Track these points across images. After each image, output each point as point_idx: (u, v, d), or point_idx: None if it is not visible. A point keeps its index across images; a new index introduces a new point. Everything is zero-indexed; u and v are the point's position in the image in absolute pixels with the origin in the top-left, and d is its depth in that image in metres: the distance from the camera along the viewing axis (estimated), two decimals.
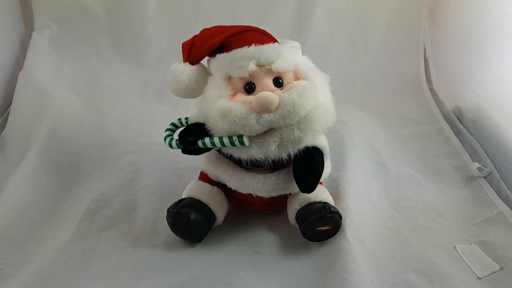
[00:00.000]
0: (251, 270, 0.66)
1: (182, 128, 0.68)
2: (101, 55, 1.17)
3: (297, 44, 0.71)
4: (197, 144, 0.65)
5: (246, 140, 0.61)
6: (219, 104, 0.62)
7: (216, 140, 0.63)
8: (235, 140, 0.62)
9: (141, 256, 0.69)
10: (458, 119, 1.06)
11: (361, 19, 1.24)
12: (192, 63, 0.68)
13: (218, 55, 0.67)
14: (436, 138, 1.02)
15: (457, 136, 1.01)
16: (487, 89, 0.97)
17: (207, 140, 0.64)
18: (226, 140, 0.62)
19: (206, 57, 0.70)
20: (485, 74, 0.98)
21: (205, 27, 0.70)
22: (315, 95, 0.63)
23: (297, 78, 0.66)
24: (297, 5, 1.22)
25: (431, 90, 1.21)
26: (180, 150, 0.67)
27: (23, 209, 0.77)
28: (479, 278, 0.64)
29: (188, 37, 0.69)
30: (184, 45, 0.69)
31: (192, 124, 0.68)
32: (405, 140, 1.03)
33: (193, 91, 0.68)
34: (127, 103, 1.12)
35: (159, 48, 1.20)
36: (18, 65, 1.08)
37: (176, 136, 0.67)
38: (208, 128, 0.65)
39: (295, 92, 0.62)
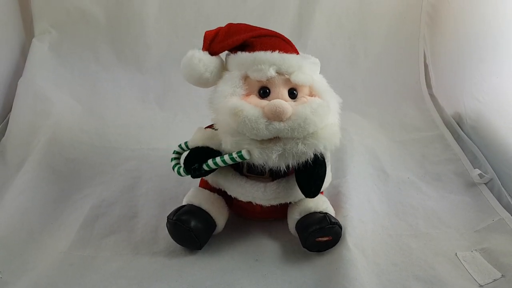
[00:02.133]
0: (251, 278, 0.65)
1: (186, 153, 0.70)
2: (101, 61, 1.17)
3: (317, 61, 0.72)
4: (203, 168, 0.66)
5: (245, 154, 0.62)
6: (232, 101, 0.62)
7: (218, 160, 0.64)
8: (235, 156, 0.62)
9: (141, 263, 0.68)
10: (458, 125, 1.06)
11: (361, 25, 1.25)
12: (212, 54, 0.68)
13: (239, 53, 0.67)
14: (437, 144, 1.02)
15: (457, 142, 1.01)
16: (487, 94, 0.97)
17: (210, 162, 0.65)
18: (227, 158, 0.64)
19: (225, 52, 0.70)
20: (485, 80, 0.98)
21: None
22: (327, 115, 0.64)
23: (311, 94, 0.67)
24: (297, 10, 1.22)
25: (431, 95, 1.21)
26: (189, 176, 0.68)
27: (22, 216, 0.76)
28: (481, 286, 0.64)
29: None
30: (207, 35, 0.68)
31: (193, 150, 0.68)
32: (405, 146, 1.03)
33: (206, 81, 0.68)
34: (127, 109, 1.12)
35: (160, 53, 1.20)
36: (18, 71, 1.07)
37: (182, 162, 0.69)
38: (214, 128, 0.66)
39: (309, 108, 0.62)
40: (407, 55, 1.26)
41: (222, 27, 0.69)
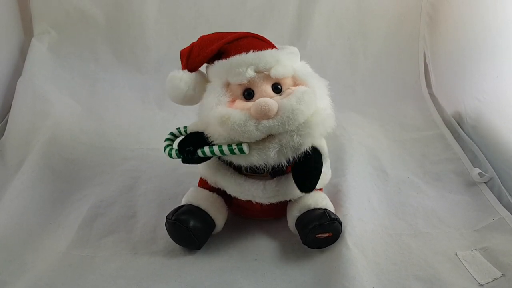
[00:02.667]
0: (250, 277, 0.65)
1: (181, 138, 0.68)
2: (101, 61, 1.17)
3: (295, 50, 0.71)
4: (197, 153, 0.65)
5: (245, 148, 0.61)
6: (218, 111, 0.62)
7: (215, 148, 0.63)
8: (235, 148, 0.62)
9: (140, 263, 0.68)
10: (458, 124, 1.06)
11: (360, 25, 1.24)
12: (191, 70, 0.68)
13: (216, 62, 0.67)
14: (437, 144, 1.02)
15: (457, 142, 1.01)
16: (487, 94, 0.97)
17: (206, 149, 0.64)
18: (225, 148, 0.62)
19: (205, 64, 0.70)
20: (486, 79, 0.98)
21: (204, 34, 0.70)
22: (314, 101, 0.63)
23: (296, 84, 0.66)
24: (296, 11, 1.22)
25: (431, 95, 1.21)
26: (179, 159, 0.67)
27: (21, 216, 0.76)
28: (481, 285, 0.63)
29: (188, 43, 0.69)
30: (182, 53, 0.69)
31: (191, 134, 0.68)
32: (405, 145, 1.03)
33: (192, 98, 0.68)
34: (126, 110, 1.12)
35: (159, 54, 1.20)
36: (17, 71, 1.07)
37: (175, 145, 0.68)
38: (207, 136, 0.65)
39: (294, 98, 0.61)
40: (407, 55, 1.26)
41: (195, 42, 0.69)
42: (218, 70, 0.67)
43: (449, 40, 1.17)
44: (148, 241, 0.73)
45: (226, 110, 0.62)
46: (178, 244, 0.70)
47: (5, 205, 0.77)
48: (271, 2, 1.21)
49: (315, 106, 0.63)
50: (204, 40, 0.68)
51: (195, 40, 0.70)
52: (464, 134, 1.01)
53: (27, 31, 1.15)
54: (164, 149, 0.69)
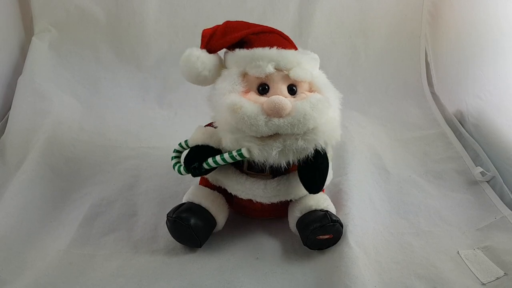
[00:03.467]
0: (252, 276, 0.65)
1: (186, 151, 0.69)
2: (101, 59, 1.17)
3: (316, 56, 0.71)
4: (203, 167, 0.66)
5: (245, 152, 0.62)
6: (231, 98, 0.62)
7: (218, 158, 0.64)
8: (235, 155, 0.62)
9: (141, 262, 0.68)
10: (460, 123, 1.06)
11: (362, 23, 1.24)
12: (210, 52, 0.68)
13: (237, 50, 0.67)
14: (438, 143, 1.01)
15: (459, 140, 1.00)
16: (489, 92, 0.96)
17: (210, 161, 0.65)
18: (226, 156, 0.63)
19: (224, 50, 0.70)
20: (487, 78, 0.98)
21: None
22: (327, 111, 0.63)
23: (311, 90, 0.67)
24: (297, 9, 1.22)
25: (433, 94, 1.21)
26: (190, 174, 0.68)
27: (22, 214, 0.76)
28: (483, 284, 0.63)
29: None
30: (205, 33, 0.68)
31: (193, 149, 0.68)
32: (407, 144, 1.02)
33: (205, 79, 0.68)
34: (127, 108, 1.12)
35: (160, 53, 1.20)
36: (17, 69, 1.07)
37: (182, 160, 0.69)
38: (214, 126, 0.65)
39: (309, 103, 0.61)
40: (409, 53, 1.26)
41: (219, 25, 0.69)
42: (238, 58, 0.66)
43: (451, 38, 1.17)
44: (149, 240, 0.73)
45: (239, 99, 0.62)
46: (179, 242, 0.70)
47: (5, 203, 0.77)
48: (272, 0, 1.21)
49: (327, 116, 0.63)
50: (229, 26, 0.68)
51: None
52: (466, 132, 1.01)
53: (28, 30, 1.15)
54: (173, 167, 0.70)
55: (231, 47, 0.68)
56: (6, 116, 1.00)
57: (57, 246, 0.71)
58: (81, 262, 0.68)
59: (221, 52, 0.70)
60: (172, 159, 0.72)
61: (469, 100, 1.04)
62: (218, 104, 0.64)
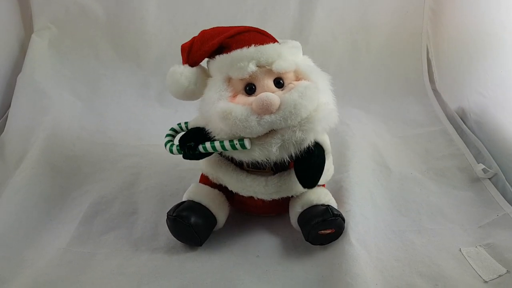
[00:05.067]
0: (252, 274, 0.65)
1: (182, 133, 0.68)
2: (101, 57, 1.17)
3: (297, 44, 0.70)
4: (198, 149, 0.64)
5: (247, 143, 0.61)
6: (219, 106, 0.61)
7: (217, 144, 0.63)
8: (236, 143, 0.61)
9: (141, 260, 0.68)
10: (462, 120, 1.05)
11: (363, 20, 1.23)
12: (192, 65, 0.67)
13: (217, 57, 0.66)
14: (440, 139, 1.01)
15: (461, 137, 1.00)
16: (491, 89, 0.96)
17: (207, 144, 0.63)
18: (227, 144, 0.62)
19: (206, 59, 0.69)
20: (489, 74, 0.97)
21: (205, 29, 0.69)
22: (317, 95, 0.62)
23: (298, 78, 0.65)
24: (298, 6, 1.21)
25: (434, 91, 1.20)
26: (181, 155, 0.66)
27: (21, 212, 0.76)
28: (485, 282, 0.63)
29: (188, 39, 0.68)
30: (183, 47, 0.68)
31: (192, 129, 0.67)
32: (408, 141, 1.02)
33: (193, 93, 0.67)
34: (127, 106, 1.12)
35: (160, 50, 1.19)
36: (17, 67, 1.07)
37: (176, 141, 0.67)
38: (209, 131, 0.64)
39: (296, 92, 0.61)
40: (410, 50, 1.25)
41: (195, 36, 0.68)
42: (219, 64, 0.66)
43: (453, 35, 1.17)
44: (149, 238, 0.72)
45: (227, 105, 0.61)
46: (179, 240, 0.70)
47: (4, 201, 0.77)
48: None
49: (318, 101, 0.62)
50: (205, 35, 0.67)
51: (196, 35, 0.69)
52: (467, 129, 1.01)
53: (27, 27, 1.14)
54: (165, 145, 0.68)
55: (212, 55, 0.67)
56: (5, 114, 1.00)
57: (57, 244, 0.71)
58: (81, 261, 0.67)
59: (204, 63, 0.70)
60: (166, 136, 0.71)
61: (471, 97, 1.03)
62: (209, 114, 0.63)
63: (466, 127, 1.02)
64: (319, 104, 0.62)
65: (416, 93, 1.20)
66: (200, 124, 0.67)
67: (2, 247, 0.69)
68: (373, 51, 1.25)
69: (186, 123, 0.71)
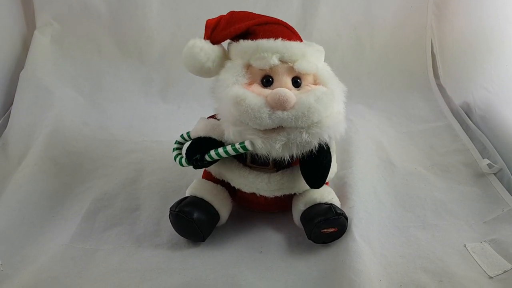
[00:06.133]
0: (255, 270, 0.64)
1: (188, 143, 0.69)
2: (104, 53, 1.16)
3: (321, 48, 0.70)
4: (205, 159, 0.65)
5: (248, 145, 0.61)
6: (234, 90, 0.61)
7: (220, 151, 0.63)
8: (238, 147, 0.62)
9: (143, 256, 0.67)
10: (467, 115, 1.04)
11: (367, 15, 1.23)
12: (213, 43, 0.67)
13: (241, 41, 0.65)
14: (445, 135, 1.00)
15: (466, 132, 0.99)
16: (496, 84, 0.95)
17: (212, 153, 0.64)
18: (229, 149, 0.63)
19: (228, 40, 0.68)
20: (494, 69, 0.97)
21: None
22: (332, 103, 0.62)
23: (315, 82, 0.65)
24: (301, 1, 1.21)
25: (439, 85, 1.19)
26: (191, 166, 0.67)
27: (24, 208, 0.76)
28: (491, 277, 0.62)
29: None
30: (209, 23, 0.67)
31: (195, 140, 0.68)
32: (412, 137, 1.01)
33: (208, 71, 0.67)
34: (130, 102, 1.12)
35: (162, 46, 1.19)
36: (19, 63, 1.07)
37: (184, 152, 0.68)
38: (217, 118, 0.65)
39: (313, 96, 0.60)
40: (414, 45, 1.24)
41: (223, 15, 0.68)
42: (242, 49, 0.65)
43: (457, 29, 1.16)
44: (152, 234, 0.72)
45: (243, 91, 0.61)
46: (182, 236, 0.69)
47: (7, 197, 0.77)
48: None
49: (332, 109, 0.62)
50: (234, 16, 0.67)
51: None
52: (472, 124, 1.00)
53: (30, 23, 1.14)
54: (175, 159, 0.70)
55: (235, 38, 0.67)
56: (8, 111, 1.00)
57: (59, 240, 0.71)
58: (83, 257, 0.67)
59: (225, 43, 0.69)
60: (173, 150, 0.72)
61: (476, 92, 1.02)
62: (221, 96, 0.63)
63: (471, 122, 1.01)
64: (332, 112, 0.62)
65: (420, 88, 1.19)
66: (200, 132, 0.67)
67: (4, 243, 0.69)
68: (377, 47, 1.24)
69: (188, 133, 0.71)
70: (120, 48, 1.18)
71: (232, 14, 0.68)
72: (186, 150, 0.67)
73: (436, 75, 1.22)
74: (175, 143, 0.72)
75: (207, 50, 0.66)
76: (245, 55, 0.65)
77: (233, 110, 0.61)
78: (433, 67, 1.23)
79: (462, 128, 1.01)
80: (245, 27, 0.65)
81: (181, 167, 0.69)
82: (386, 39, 1.24)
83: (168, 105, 1.12)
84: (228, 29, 0.66)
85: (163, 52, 1.19)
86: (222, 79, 0.64)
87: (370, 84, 1.21)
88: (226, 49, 0.69)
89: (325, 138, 0.62)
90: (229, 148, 0.63)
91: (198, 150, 0.65)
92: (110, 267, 0.65)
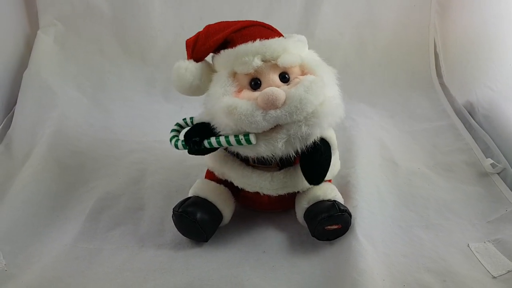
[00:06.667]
0: (259, 270, 0.64)
1: (187, 128, 0.67)
2: (107, 53, 1.17)
3: (303, 38, 0.70)
4: (203, 144, 0.64)
5: (252, 138, 0.60)
6: (224, 101, 0.61)
7: (222, 139, 0.62)
8: (242, 138, 0.60)
9: (147, 256, 0.68)
10: (470, 114, 1.04)
11: (369, 13, 1.22)
12: (197, 60, 0.67)
13: (222, 51, 0.65)
14: (448, 134, 1.00)
15: (469, 132, 0.99)
16: (500, 83, 0.95)
17: (213, 139, 0.63)
18: (232, 139, 0.61)
19: (211, 54, 0.68)
20: (498, 68, 0.96)
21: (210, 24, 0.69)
22: (323, 90, 0.61)
23: (303, 72, 0.65)
24: (304, 0, 1.20)
25: (442, 85, 1.19)
26: (186, 150, 0.66)
27: (28, 208, 0.76)
28: (494, 277, 0.62)
29: (194, 34, 0.68)
30: (188, 42, 0.67)
31: (198, 124, 0.67)
32: (415, 136, 1.01)
33: (198, 88, 0.67)
34: (133, 102, 1.12)
35: (165, 45, 1.19)
36: (23, 64, 1.07)
37: (181, 136, 0.67)
38: (214, 127, 0.64)
39: (302, 87, 0.60)
40: (417, 43, 1.24)
41: (200, 31, 0.67)
42: (224, 59, 0.65)
43: (460, 28, 1.15)
44: (155, 234, 0.72)
45: (232, 100, 0.60)
46: (185, 236, 0.70)
47: (11, 197, 0.77)
48: None
49: (324, 95, 0.62)
50: (210, 30, 0.67)
51: (201, 30, 0.68)
52: (475, 124, 1.00)
53: (33, 24, 1.14)
54: (170, 140, 0.68)
55: (217, 50, 0.67)
56: (12, 111, 1.00)
57: (63, 240, 0.71)
58: (87, 256, 0.68)
59: (210, 58, 0.69)
60: (171, 131, 0.70)
61: (479, 91, 1.02)
62: (214, 110, 0.63)
63: (474, 121, 1.01)
64: (325, 98, 0.62)
65: (423, 87, 1.19)
66: (205, 119, 0.66)
67: (9, 243, 0.69)
68: (379, 46, 1.23)
69: (191, 118, 0.71)
70: (123, 48, 1.18)
71: (208, 28, 0.67)
72: (186, 132, 0.66)
73: (439, 74, 1.21)
74: (175, 125, 0.71)
75: (192, 69, 0.66)
76: (228, 64, 0.65)
77: (227, 120, 0.61)
78: (436, 66, 1.22)
79: (465, 127, 1.01)
80: (223, 38, 0.65)
81: (175, 149, 0.67)
82: (388, 38, 1.24)
83: (171, 104, 1.12)
84: (207, 43, 0.66)
85: (166, 52, 1.19)
86: (212, 92, 0.64)
87: (372, 83, 1.20)
88: (212, 63, 0.69)
89: (325, 126, 0.62)
90: (231, 138, 0.61)
91: (198, 133, 0.65)
92: (113, 267, 0.65)
